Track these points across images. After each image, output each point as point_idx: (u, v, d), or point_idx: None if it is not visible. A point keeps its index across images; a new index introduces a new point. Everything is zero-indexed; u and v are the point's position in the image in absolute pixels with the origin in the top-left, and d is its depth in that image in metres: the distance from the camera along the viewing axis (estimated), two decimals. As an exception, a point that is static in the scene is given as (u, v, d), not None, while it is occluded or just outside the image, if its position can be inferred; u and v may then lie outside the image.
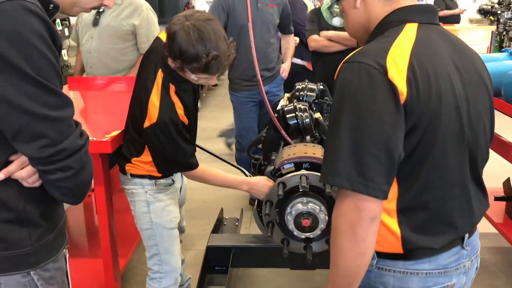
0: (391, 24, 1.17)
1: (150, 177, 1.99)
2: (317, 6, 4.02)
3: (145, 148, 1.93)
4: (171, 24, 1.73)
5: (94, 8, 1.22)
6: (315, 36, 3.51)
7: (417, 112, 1.06)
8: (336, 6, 1.33)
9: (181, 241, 2.25)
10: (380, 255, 1.18)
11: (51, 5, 1.06)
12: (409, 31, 1.14)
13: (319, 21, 3.52)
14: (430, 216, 1.15)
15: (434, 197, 1.14)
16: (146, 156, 1.94)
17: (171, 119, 1.82)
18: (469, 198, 1.20)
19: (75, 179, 1.07)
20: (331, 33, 3.41)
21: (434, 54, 1.13)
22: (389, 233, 1.14)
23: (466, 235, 1.22)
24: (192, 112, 1.96)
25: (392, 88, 1.04)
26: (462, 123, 1.13)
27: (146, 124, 1.82)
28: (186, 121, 1.88)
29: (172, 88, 1.85)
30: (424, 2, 4.99)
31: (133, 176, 2.00)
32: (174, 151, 1.87)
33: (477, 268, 1.31)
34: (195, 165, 1.95)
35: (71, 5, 1.16)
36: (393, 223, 1.14)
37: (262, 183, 1.95)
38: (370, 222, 1.06)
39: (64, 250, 1.24)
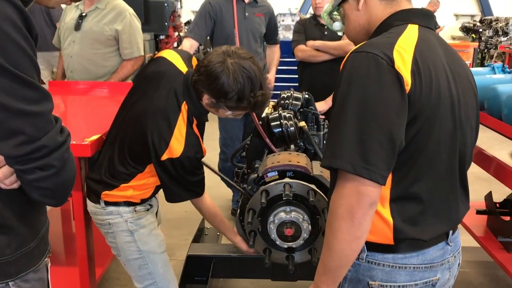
0: (394, 23, 1.23)
1: (128, 203, 1.86)
2: (302, 18, 4.03)
3: (138, 175, 1.83)
4: (210, 62, 1.68)
5: (75, 0, 1.15)
6: (301, 46, 3.52)
7: (418, 104, 1.11)
8: (335, 12, 1.39)
9: None
10: (370, 247, 1.21)
11: None
12: (412, 31, 1.20)
13: (305, 31, 3.54)
14: (420, 207, 1.19)
15: (425, 189, 1.18)
16: (136, 181, 1.83)
17: (196, 155, 1.76)
18: (456, 196, 1.26)
19: (56, 179, 0.99)
20: (318, 43, 3.42)
21: (434, 54, 1.19)
22: (382, 222, 1.18)
23: (451, 232, 1.28)
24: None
25: (399, 78, 1.08)
26: (455, 121, 1.19)
27: (165, 157, 1.72)
28: (205, 151, 1.83)
29: (194, 122, 1.80)
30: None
31: (108, 204, 1.85)
32: (190, 183, 1.82)
33: (459, 264, 1.36)
34: (202, 192, 1.90)
35: None
36: (386, 213, 1.18)
37: (239, 241, 2.01)
38: (369, 207, 1.09)
39: (46, 259, 1.16)
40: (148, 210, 1.94)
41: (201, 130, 1.88)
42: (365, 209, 1.08)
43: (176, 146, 1.71)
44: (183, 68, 1.87)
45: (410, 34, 1.18)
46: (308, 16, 4.10)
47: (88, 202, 1.91)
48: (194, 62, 1.97)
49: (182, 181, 1.79)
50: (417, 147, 1.14)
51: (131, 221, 1.87)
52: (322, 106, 2.78)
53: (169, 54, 1.93)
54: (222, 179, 2.27)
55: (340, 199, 1.11)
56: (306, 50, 3.50)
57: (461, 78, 1.24)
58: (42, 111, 0.96)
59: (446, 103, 1.16)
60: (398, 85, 1.08)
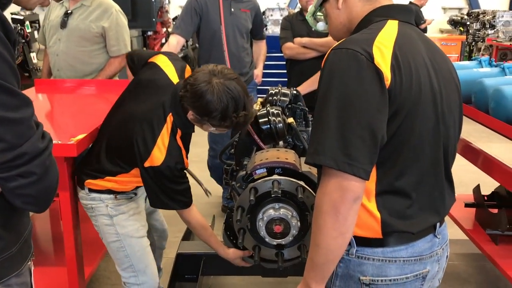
0: (374, 19, 1.24)
1: (110, 191, 1.95)
2: (291, 13, 4.01)
3: (123, 173, 1.90)
4: (196, 80, 1.73)
5: (57, 0, 1.14)
6: (289, 44, 3.50)
7: (399, 98, 1.12)
8: (319, 13, 1.40)
9: (153, 252, 2.18)
10: (359, 242, 1.22)
11: None
12: (391, 26, 1.21)
13: (292, 28, 3.51)
14: (407, 201, 1.20)
15: (410, 183, 1.19)
16: (120, 177, 1.91)
17: (176, 165, 1.81)
18: (442, 188, 1.27)
19: (38, 186, 0.98)
20: (305, 40, 3.40)
21: (414, 49, 1.19)
22: (370, 216, 1.19)
23: (438, 224, 1.29)
24: (187, 151, 1.95)
25: (378, 73, 1.09)
26: (438, 115, 1.20)
27: (147, 164, 1.79)
28: (187, 164, 1.87)
29: (179, 133, 1.85)
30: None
31: (91, 191, 1.95)
32: (174, 191, 1.86)
33: (447, 257, 1.38)
34: (189, 203, 1.93)
35: None
36: (373, 207, 1.18)
37: (232, 254, 2.01)
38: (353, 203, 1.09)
39: (29, 263, 1.14)
40: (131, 198, 2.01)
41: (186, 141, 1.93)
42: (349, 204, 1.09)
43: (158, 155, 1.77)
44: (175, 79, 1.94)
45: (390, 30, 1.19)
46: (296, 10, 4.08)
47: (77, 188, 2.01)
48: (188, 72, 2.03)
49: (165, 189, 1.84)
50: (400, 141, 1.15)
51: (111, 207, 1.95)
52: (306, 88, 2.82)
53: (163, 62, 1.99)
54: (206, 191, 2.34)
55: (324, 195, 1.12)
56: (293, 48, 3.48)
57: (443, 72, 1.25)
58: (22, 117, 0.94)
59: (427, 97, 1.17)
60: (378, 81, 1.09)
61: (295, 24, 3.49)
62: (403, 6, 1.30)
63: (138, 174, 1.86)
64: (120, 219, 1.96)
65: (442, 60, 1.28)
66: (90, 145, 2.05)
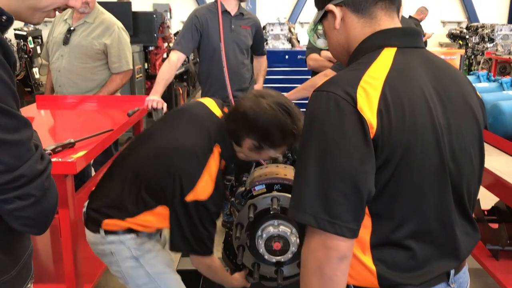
0: (367, 49, 1.11)
1: (130, 230, 1.73)
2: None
3: (146, 211, 1.70)
4: (245, 107, 1.67)
5: (58, 10, 1.10)
6: (314, 55, 3.46)
7: (389, 146, 1.00)
8: (319, 28, 1.27)
9: None
10: None
11: (4, 17, 0.95)
12: (385, 57, 1.08)
13: None
14: (407, 253, 1.08)
15: (410, 234, 1.07)
16: (142, 216, 1.70)
17: (221, 202, 1.71)
18: (452, 234, 1.12)
19: (36, 208, 0.96)
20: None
21: (410, 82, 1.06)
22: (365, 269, 1.08)
23: (452, 271, 1.14)
24: None
25: (361, 121, 0.98)
26: (443, 155, 1.06)
27: (190, 197, 1.62)
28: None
29: (222, 164, 1.73)
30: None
31: (108, 233, 1.72)
32: (204, 234, 1.70)
33: None
34: (212, 249, 1.78)
35: (31, 11, 1.04)
36: (367, 260, 1.07)
37: (240, 278, 1.92)
38: (339, 262, 0.99)
39: (29, 285, 1.12)
40: (151, 234, 1.84)
41: (223, 177, 1.80)
42: (334, 264, 0.99)
43: (204, 187, 1.63)
44: (218, 112, 1.84)
45: (383, 62, 1.06)
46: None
47: (87, 232, 1.80)
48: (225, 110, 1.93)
49: (197, 229, 1.67)
50: (395, 192, 1.04)
51: (134, 247, 1.75)
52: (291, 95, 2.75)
53: (205, 100, 1.91)
54: None
55: (308, 253, 1.02)
56: (318, 60, 3.43)
57: (454, 101, 1.10)
58: (21, 139, 0.93)
59: (426, 138, 1.03)
60: (361, 130, 0.98)
61: None
62: (404, 30, 1.14)
63: (163, 213, 1.69)
64: (147, 258, 1.77)
65: (453, 85, 1.13)
66: (101, 179, 1.86)
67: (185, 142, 1.68)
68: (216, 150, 1.69)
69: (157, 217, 1.71)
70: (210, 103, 1.88)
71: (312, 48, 3.49)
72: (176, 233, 1.68)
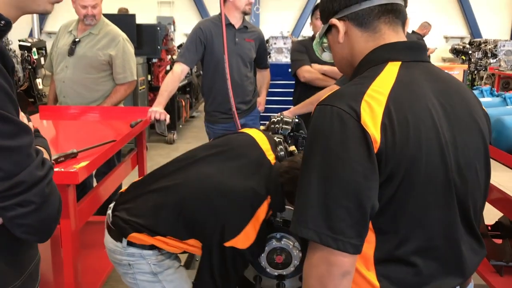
0: (371, 63, 1.11)
1: (153, 246, 1.67)
2: (294, 41, 4.03)
3: (179, 241, 1.64)
4: (298, 163, 1.59)
5: None
6: (308, 67, 3.46)
7: (393, 161, 0.99)
8: (325, 41, 1.27)
9: None
10: None
11: (2, 22, 0.92)
12: (390, 71, 1.07)
13: (308, 53, 3.48)
14: (411, 269, 1.06)
15: (415, 250, 1.06)
16: (171, 240, 1.63)
17: (259, 250, 1.68)
18: (457, 250, 1.11)
19: (38, 215, 0.94)
20: (326, 67, 3.35)
21: (415, 97, 1.05)
22: (368, 285, 1.07)
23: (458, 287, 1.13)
24: None
25: (365, 136, 0.97)
26: (448, 170, 1.04)
27: (229, 244, 1.57)
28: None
29: (269, 214, 1.68)
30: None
31: (130, 244, 1.67)
32: (236, 275, 1.66)
33: None
34: None
35: None
36: (371, 276, 1.06)
37: None
38: (341, 278, 0.98)
39: None
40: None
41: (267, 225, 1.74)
42: (337, 280, 0.97)
43: (246, 238, 1.58)
44: (269, 153, 1.78)
45: (387, 76, 1.06)
46: (300, 38, 4.10)
47: (107, 237, 1.73)
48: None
49: (229, 271, 1.62)
50: (399, 207, 1.02)
51: (154, 263, 1.69)
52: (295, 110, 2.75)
53: (256, 135, 1.84)
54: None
55: (310, 268, 1.01)
56: (313, 72, 3.42)
57: (460, 116, 1.10)
58: (20, 145, 0.91)
59: (431, 153, 1.02)
60: (365, 144, 0.97)
61: (310, 49, 3.44)
62: (408, 44, 1.13)
63: (195, 245, 1.65)
64: (166, 274, 1.71)
65: (458, 99, 1.12)
66: (134, 189, 1.79)
67: (234, 188, 1.62)
68: (266, 202, 1.63)
69: (187, 246, 1.67)
70: (262, 140, 1.81)
71: (303, 60, 3.47)
72: (206, 270, 1.63)
